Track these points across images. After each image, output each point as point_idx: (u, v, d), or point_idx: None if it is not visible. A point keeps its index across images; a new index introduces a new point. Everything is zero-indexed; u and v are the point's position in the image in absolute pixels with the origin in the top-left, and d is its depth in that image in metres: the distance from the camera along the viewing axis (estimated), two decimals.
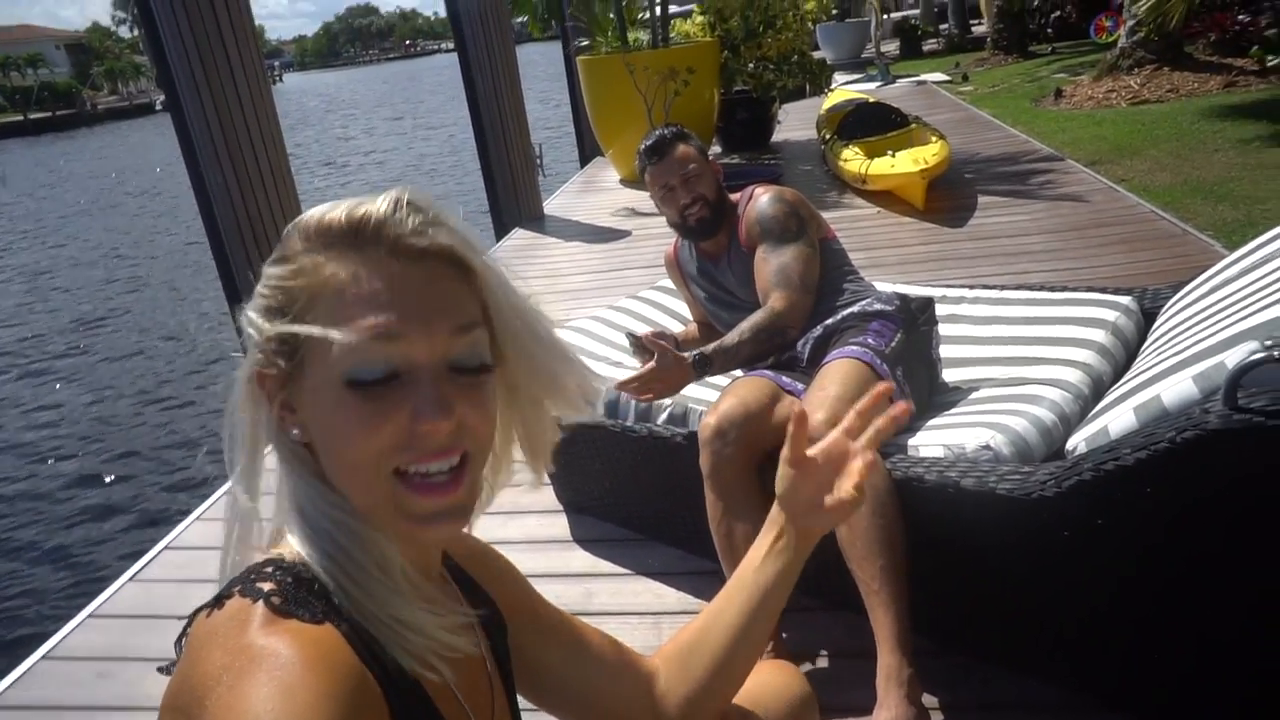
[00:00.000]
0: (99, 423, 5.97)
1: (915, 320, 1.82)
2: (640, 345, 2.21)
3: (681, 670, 0.84)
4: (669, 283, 2.52)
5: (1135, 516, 1.26)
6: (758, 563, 0.83)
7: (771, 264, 1.90)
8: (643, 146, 2.05)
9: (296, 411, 0.61)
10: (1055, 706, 1.47)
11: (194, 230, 10.27)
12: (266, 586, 0.56)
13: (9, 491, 5.07)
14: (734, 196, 2.07)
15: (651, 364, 1.73)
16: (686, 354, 1.84)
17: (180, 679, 0.53)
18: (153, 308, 8.87)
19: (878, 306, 1.84)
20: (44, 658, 2.03)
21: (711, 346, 1.81)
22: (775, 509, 0.83)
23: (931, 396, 1.84)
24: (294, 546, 0.61)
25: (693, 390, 1.88)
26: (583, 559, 2.12)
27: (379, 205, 0.60)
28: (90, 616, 2.17)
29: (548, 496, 2.31)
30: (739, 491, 1.60)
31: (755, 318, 1.85)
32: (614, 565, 2.07)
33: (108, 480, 5.03)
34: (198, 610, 0.57)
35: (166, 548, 2.47)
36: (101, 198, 18.06)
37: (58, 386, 6.90)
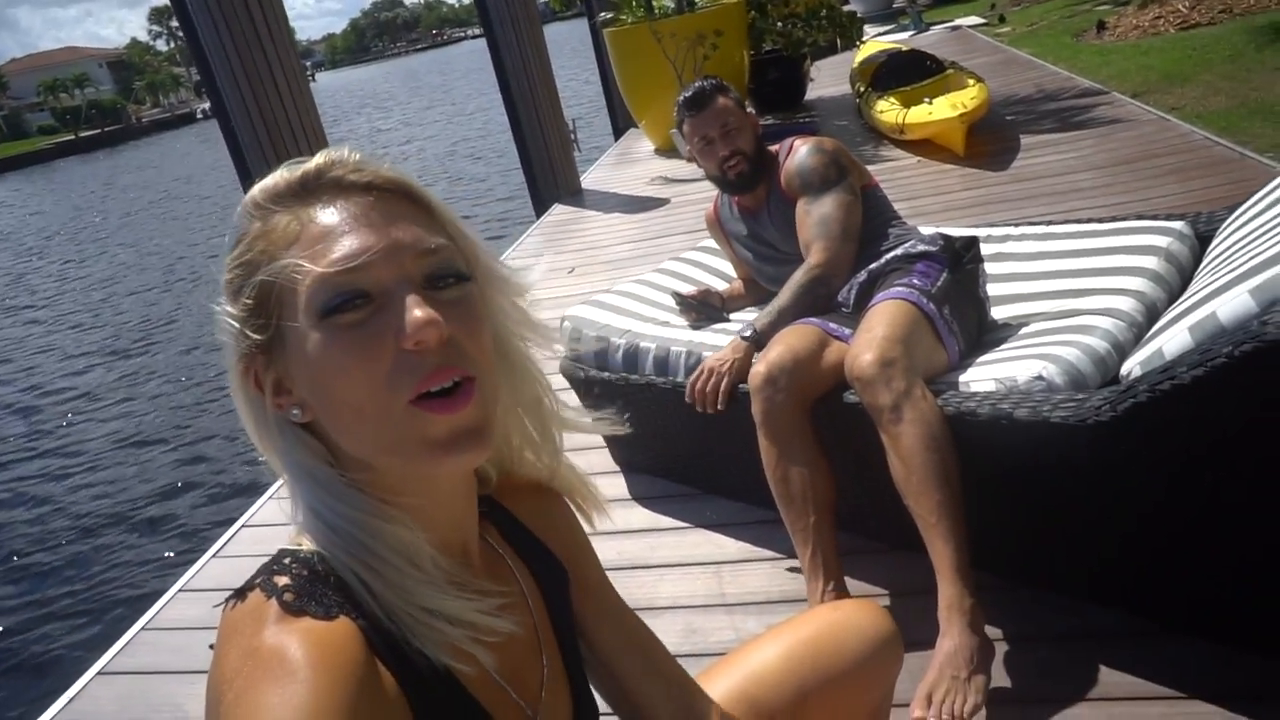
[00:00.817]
0: (177, 411, 6.28)
1: (960, 259, 1.81)
2: (687, 303, 2.23)
3: None
4: (711, 243, 2.54)
5: (1195, 437, 1.25)
6: None
7: (813, 215, 1.90)
8: (682, 98, 2.05)
9: (291, 391, 0.59)
10: (1122, 634, 1.46)
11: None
12: (281, 581, 0.55)
13: (98, 479, 5.37)
14: (773, 148, 2.07)
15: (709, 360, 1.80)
16: (735, 330, 1.87)
17: (210, 672, 0.53)
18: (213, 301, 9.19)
19: (921, 248, 1.83)
20: (144, 628, 2.18)
21: (760, 320, 1.83)
22: None
23: (981, 335, 1.83)
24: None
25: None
26: (642, 515, 2.16)
27: (316, 157, 0.61)
28: (181, 590, 2.31)
29: (603, 458, 2.36)
30: (792, 437, 1.62)
31: (796, 277, 1.86)
32: (673, 520, 2.11)
33: (188, 464, 5.30)
34: (227, 600, 0.57)
35: (244, 525, 2.60)
36: (157, 205, 18.71)
37: (136, 379, 7.24)
